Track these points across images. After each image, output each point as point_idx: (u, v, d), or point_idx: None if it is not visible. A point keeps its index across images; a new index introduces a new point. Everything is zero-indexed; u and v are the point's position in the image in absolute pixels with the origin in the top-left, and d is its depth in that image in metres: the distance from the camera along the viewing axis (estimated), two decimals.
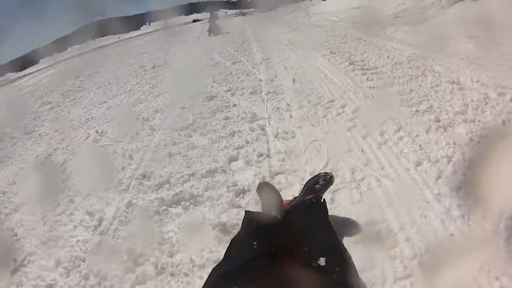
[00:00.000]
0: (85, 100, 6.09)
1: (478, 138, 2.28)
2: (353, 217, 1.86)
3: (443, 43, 4.64)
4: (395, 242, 1.65)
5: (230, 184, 2.34)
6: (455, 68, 3.57)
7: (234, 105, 3.98)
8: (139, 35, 18.61)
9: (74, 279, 1.86)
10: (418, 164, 2.16)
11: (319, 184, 1.86)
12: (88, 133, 4.14)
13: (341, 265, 1.32)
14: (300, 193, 1.95)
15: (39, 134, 4.71)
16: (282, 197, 2.01)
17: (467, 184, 1.86)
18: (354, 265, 1.35)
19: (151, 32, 19.27)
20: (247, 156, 2.74)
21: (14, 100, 8.30)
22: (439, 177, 2.00)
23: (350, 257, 1.37)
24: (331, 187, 1.93)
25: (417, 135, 2.47)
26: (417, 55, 4.33)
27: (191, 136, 3.33)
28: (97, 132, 4.05)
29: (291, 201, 1.94)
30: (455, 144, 2.24)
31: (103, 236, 2.18)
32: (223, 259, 1.44)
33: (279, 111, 3.57)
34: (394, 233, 1.70)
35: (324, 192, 1.87)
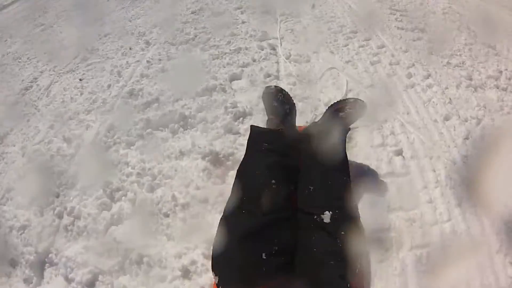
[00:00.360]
0: (79, 18, 5.51)
1: (509, 109, 2.11)
2: (373, 163, 1.66)
3: (482, 7, 4.09)
4: (416, 202, 1.49)
5: (229, 105, 1.98)
6: (492, 33, 3.12)
7: (243, 22, 3.48)
8: None
9: (47, 218, 1.67)
10: (447, 118, 2.00)
11: (345, 112, 1.48)
12: (78, 52, 3.67)
13: (349, 228, 1.08)
14: (320, 119, 1.58)
15: (28, 58, 4.28)
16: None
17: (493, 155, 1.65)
18: (362, 229, 1.14)
19: None
20: (252, 75, 2.36)
21: (6, 26, 7.79)
22: (467, 138, 1.84)
23: (359, 218, 1.16)
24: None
25: (447, 88, 2.27)
26: (453, 10, 3.79)
27: (190, 51, 2.91)
28: (87, 49, 3.61)
29: (306, 126, 1.59)
30: (485, 107, 2.07)
31: (78, 167, 1.89)
32: (233, 205, 1.16)
33: (293, 33, 3.12)
34: (416, 191, 1.54)
35: (352, 123, 1.52)
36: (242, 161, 1.31)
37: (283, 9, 3.81)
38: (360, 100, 1.53)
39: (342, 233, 1.03)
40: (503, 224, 1.37)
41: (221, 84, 2.23)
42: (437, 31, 3.15)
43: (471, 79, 2.34)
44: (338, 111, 1.49)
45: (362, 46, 2.81)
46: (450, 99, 2.16)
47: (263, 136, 1.36)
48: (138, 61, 2.93)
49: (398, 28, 3.20)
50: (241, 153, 1.60)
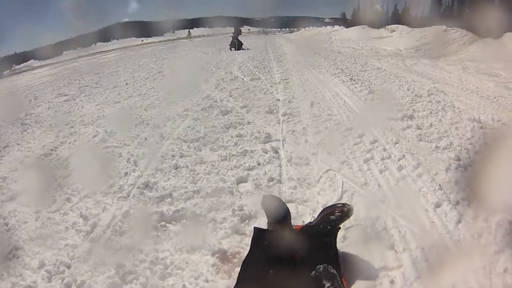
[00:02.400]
0: (100, 97, 6.06)
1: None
2: (366, 260, 1.72)
3: (463, 79, 4.58)
4: None
5: (236, 208, 2.19)
6: (476, 106, 3.51)
7: (249, 123, 3.87)
8: (161, 41, 18.91)
9: (55, 286, 1.75)
10: (438, 205, 2.05)
11: (335, 215, 1.74)
12: (97, 131, 4.06)
13: None
14: (314, 220, 1.83)
15: (50, 125, 4.65)
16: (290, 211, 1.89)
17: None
18: None
19: (174, 39, 19.52)
20: (257, 179, 2.61)
21: (33, 87, 8.37)
22: (460, 222, 1.88)
23: None
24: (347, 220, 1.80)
25: (437, 173, 2.37)
26: (437, 89, 4.25)
27: (200, 150, 3.21)
28: (106, 131, 3.97)
29: (302, 226, 1.83)
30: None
31: (93, 243, 2.04)
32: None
33: (294, 135, 3.46)
34: (409, 282, 1.55)
35: (340, 224, 1.75)
36: (247, 255, 1.58)
37: (285, 108, 4.27)
38: (347, 204, 1.80)
39: None
40: None
41: (229, 187, 2.46)
42: (424, 116, 3.37)
43: (459, 160, 2.43)
44: (329, 214, 1.75)
45: (356, 144, 3.04)
46: (440, 185, 2.20)
47: (264, 235, 1.63)
48: (153, 153, 3.19)
49: (389, 118, 3.48)
50: (246, 252, 1.67)
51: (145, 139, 3.61)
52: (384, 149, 2.87)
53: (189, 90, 5.59)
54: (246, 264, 1.52)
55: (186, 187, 2.52)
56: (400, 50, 9.22)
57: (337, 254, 1.59)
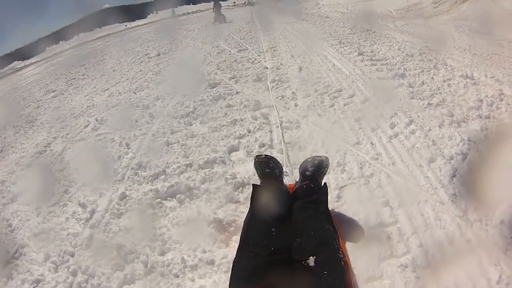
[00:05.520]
0: (88, 87, 5.99)
1: (494, 136, 2.17)
2: (361, 217, 1.71)
3: (456, 38, 4.51)
4: (407, 248, 1.50)
5: (229, 176, 2.19)
6: (468, 63, 3.44)
7: (237, 93, 3.83)
8: (146, 24, 18.46)
9: (62, 275, 1.80)
10: (432, 160, 2.03)
11: (309, 171, 1.71)
12: (88, 121, 4.04)
13: (330, 267, 1.25)
14: (297, 181, 1.81)
15: (41, 123, 4.63)
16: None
17: (484, 184, 1.70)
18: (344, 268, 1.27)
19: (158, 20, 19.08)
20: (248, 146, 2.59)
21: (20, 89, 8.32)
22: (454, 176, 1.86)
23: (341, 258, 1.28)
24: (337, 180, 1.79)
25: (430, 130, 2.34)
26: (429, 48, 4.18)
27: (191, 124, 3.19)
28: (97, 120, 3.95)
29: (294, 185, 1.81)
30: (470, 140, 2.11)
31: (94, 229, 2.07)
32: (242, 249, 1.37)
33: (284, 100, 3.41)
34: (406, 237, 1.56)
35: (322, 177, 1.73)
36: (248, 213, 1.56)
37: (273, 75, 4.21)
38: (318, 156, 1.78)
39: (325, 272, 1.22)
40: (497, 251, 1.40)
41: (221, 157, 2.46)
42: (416, 74, 3.34)
43: (452, 116, 2.42)
44: (304, 171, 1.73)
45: (347, 104, 3.01)
46: (433, 140, 2.19)
47: (263, 194, 1.59)
48: (144, 134, 3.20)
49: (379, 78, 3.46)
50: (242, 220, 1.71)
51: (136, 121, 3.58)
52: (376, 108, 2.82)
53: (176, 69, 5.50)
54: (249, 222, 1.50)
55: (179, 162, 2.52)
56: (390, 12, 8.92)
57: (327, 209, 1.56)
